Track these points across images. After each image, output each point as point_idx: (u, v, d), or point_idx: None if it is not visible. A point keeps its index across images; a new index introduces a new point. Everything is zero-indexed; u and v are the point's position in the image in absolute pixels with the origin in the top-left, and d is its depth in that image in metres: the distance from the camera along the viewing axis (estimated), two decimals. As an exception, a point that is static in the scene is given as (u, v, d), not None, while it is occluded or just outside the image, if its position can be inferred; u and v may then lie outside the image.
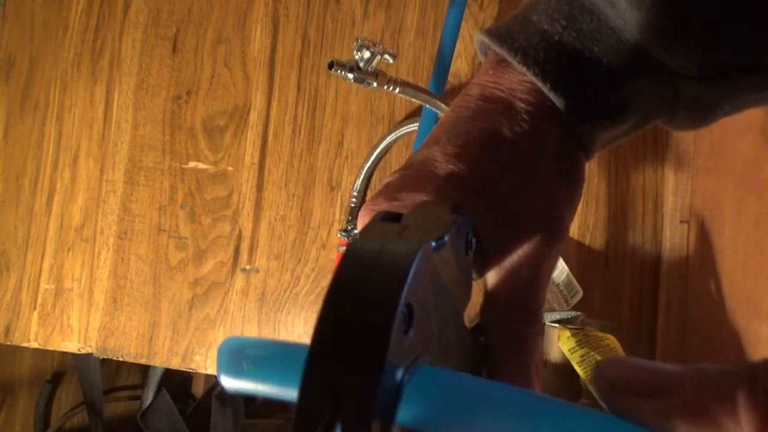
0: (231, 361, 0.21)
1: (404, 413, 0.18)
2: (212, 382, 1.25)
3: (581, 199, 1.03)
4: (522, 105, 0.27)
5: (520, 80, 0.27)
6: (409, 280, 0.18)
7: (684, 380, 0.16)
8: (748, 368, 0.16)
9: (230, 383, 0.21)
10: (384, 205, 0.27)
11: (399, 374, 0.18)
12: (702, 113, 0.29)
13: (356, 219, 0.92)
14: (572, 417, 0.17)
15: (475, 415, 0.18)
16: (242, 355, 0.21)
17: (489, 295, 0.27)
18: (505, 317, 0.26)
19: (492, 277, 0.27)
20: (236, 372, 0.21)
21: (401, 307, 0.17)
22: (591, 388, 0.65)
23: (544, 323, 0.26)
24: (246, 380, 0.21)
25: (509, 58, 0.27)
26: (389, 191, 0.27)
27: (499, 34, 0.28)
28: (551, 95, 0.27)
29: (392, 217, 0.23)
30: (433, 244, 0.22)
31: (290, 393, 0.19)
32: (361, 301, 0.18)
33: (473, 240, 0.26)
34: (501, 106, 0.27)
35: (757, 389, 0.15)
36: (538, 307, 0.26)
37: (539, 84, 0.27)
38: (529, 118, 0.27)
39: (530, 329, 0.26)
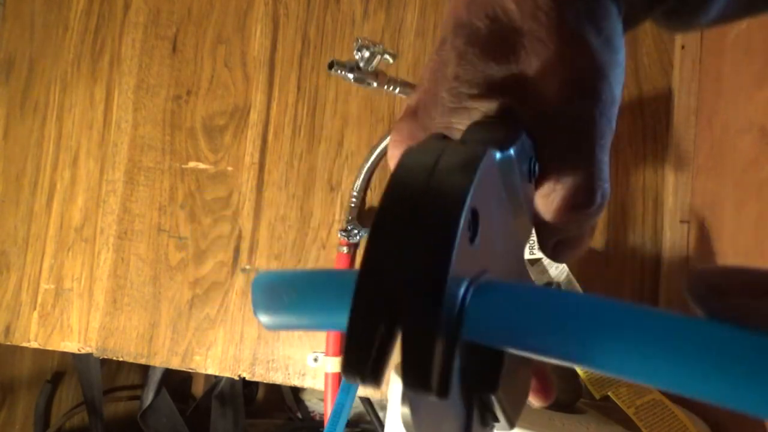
0: (269, 294, 0.19)
1: (470, 329, 0.15)
2: (212, 382, 1.24)
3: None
4: None
5: None
6: (475, 180, 0.15)
7: None
8: None
9: (270, 320, 0.19)
10: (411, 135, 0.25)
11: (464, 286, 0.15)
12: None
13: (356, 219, 0.92)
14: (676, 327, 0.15)
15: (552, 331, 0.15)
16: (280, 287, 0.19)
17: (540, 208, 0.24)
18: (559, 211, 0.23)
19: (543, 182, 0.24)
20: (276, 306, 0.19)
21: (467, 208, 0.15)
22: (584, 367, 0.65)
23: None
24: (288, 314, 0.18)
25: None
26: (414, 115, 0.25)
27: None
28: None
29: (445, 137, 0.20)
30: (497, 154, 0.19)
31: (339, 320, 0.16)
32: (421, 203, 0.15)
33: (536, 167, 0.22)
34: None
35: None
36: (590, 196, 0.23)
37: None
38: None
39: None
